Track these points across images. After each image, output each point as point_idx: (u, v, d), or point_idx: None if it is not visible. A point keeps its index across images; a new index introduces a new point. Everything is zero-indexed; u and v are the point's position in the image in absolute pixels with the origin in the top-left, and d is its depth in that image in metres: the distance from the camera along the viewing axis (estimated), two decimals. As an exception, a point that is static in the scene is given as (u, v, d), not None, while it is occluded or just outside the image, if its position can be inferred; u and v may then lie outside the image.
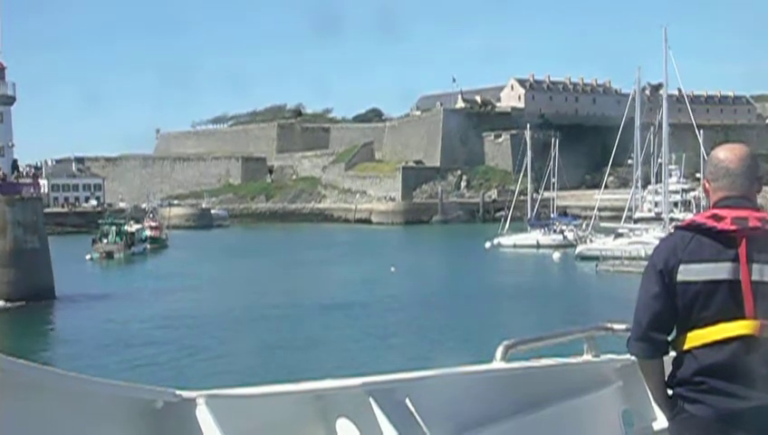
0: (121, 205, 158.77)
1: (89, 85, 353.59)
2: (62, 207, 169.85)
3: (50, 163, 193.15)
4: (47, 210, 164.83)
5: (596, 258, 70.66)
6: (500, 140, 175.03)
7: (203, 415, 3.05)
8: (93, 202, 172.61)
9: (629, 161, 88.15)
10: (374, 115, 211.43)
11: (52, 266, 56.30)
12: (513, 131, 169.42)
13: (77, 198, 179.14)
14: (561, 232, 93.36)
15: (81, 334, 43.22)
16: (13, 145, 55.82)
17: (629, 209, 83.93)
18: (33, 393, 2.56)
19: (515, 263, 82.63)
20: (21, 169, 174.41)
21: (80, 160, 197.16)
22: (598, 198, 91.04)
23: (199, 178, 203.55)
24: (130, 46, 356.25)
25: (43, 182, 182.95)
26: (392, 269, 68.97)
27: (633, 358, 3.96)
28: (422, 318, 47.83)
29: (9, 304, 50.99)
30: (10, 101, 56.76)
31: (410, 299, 55.47)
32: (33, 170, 61.59)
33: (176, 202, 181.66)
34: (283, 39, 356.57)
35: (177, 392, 3.05)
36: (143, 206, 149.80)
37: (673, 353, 3.77)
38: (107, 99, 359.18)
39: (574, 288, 59.46)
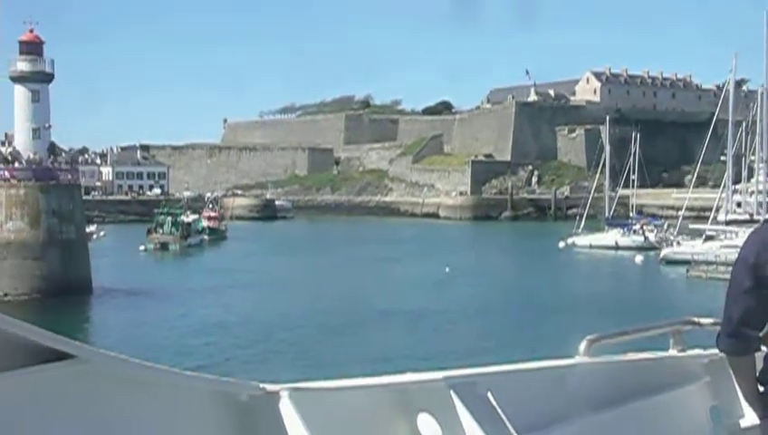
0: (186, 194, 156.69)
1: (157, 72, 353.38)
2: (126, 194, 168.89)
3: (115, 150, 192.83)
4: (110, 198, 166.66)
5: (685, 263, 64.91)
6: (574, 134, 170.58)
7: (286, 408, 3.09)
8: (157, 190, 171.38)
9: (723, 158, 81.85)
10: (444, 107, 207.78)
11: (89, 258, 52.18)
12: (588, 126, 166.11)
13: (141, 187, 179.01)
14: (642, 233, 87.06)
15: (106, 336, 39.03)
16: (49, 126, 51.62)
17: (716, 210, 77.77)
18: (118, 385, 2.61)
19: (592, 265, 77.44)
20: (88, 155, 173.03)
21: (145, 148, 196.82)
22: (686, 196, 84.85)
23: (265, 168, 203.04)
24: (200, 35, 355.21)
25: (107, 170, 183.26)
26: (446, 269, 65.06)
27: (721, 353, 3.94)
28: (489, 322, 44.79)
29: (23, 297, 46.56)
30: (47, 78, 52.65)
31: (477, 302, 51.99)
32: (73, 155, 57.13)
33: (240, 192, 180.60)
34: (352, 28, 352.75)
35: (261, 385, 3.08)
36: (207, 195, 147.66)
37: (765, 350, 3.73)
38: (174, 86, 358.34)
39: (662, 296, 53.64)
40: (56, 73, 51.54)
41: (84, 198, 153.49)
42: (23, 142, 51.53)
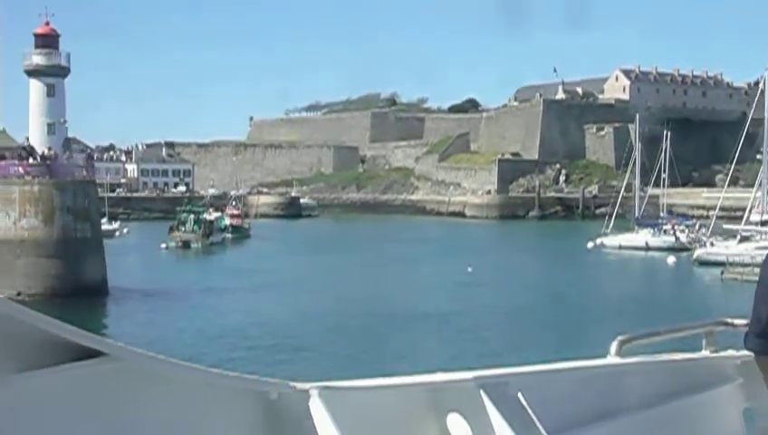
0: (211, 191, 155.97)
1: (184, 69, 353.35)
2: (151, 192, 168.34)
3: (140, 148, 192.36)
4: (135, 195, 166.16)
5: (719, 264, 62.59)
6: (602, 133, 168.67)
7: (316, 407, 3.16)
8: (182, 188, 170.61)
9: (759, 156, 79.61)
10: (470, 105, 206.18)
11: (104, 257, 50.74)
12: (617, 124, 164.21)
13: (166, 184, 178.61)
14: (674, 233, 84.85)
15: (118, 339, 37.37)
16: (65, 121, 50.16)
17: (749, 210, 75.56)
18: (150, 383, 2.69)
19: (622, 266, 75.49)
20: (115, 151, 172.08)
21: (170, 145, 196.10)
22: (719, 196, 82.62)
23: (291, 166, 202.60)
24: (227, 32, 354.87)
25: (132, 167, 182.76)
26: (468, 269, 63.45)
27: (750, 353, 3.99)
28: (514, 324, 43.78)
29: (37, 296, 45.08)
30: (63, 72, 51.06)
31: (502, 303, 50.58)
32: (90, 152, 55.66)
33: (265, 190, 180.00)
34: (379, 27, 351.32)
35: (291, 384, 3.17)
36: (232, 193, 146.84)
37: None
38: (201, 84, 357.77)
39: (696, 298, 51.66)
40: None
41: (109, 195, 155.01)
42: (37, 137, 50.11)
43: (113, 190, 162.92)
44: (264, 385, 3.06)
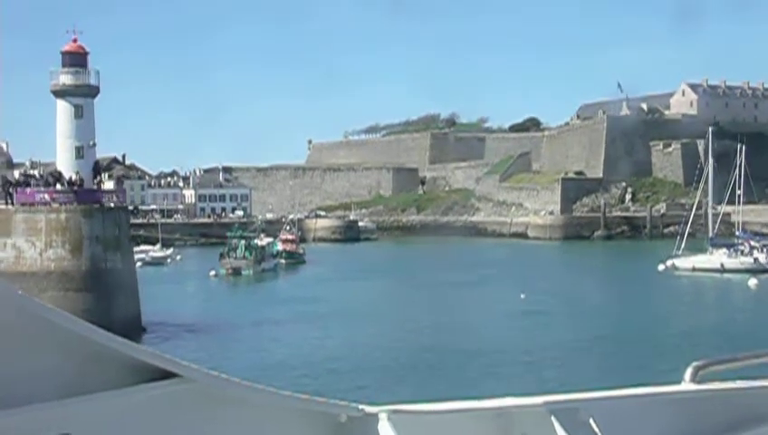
0: (269, 216, 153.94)
1: (245, 93, 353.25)
2: (208, 217, 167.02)
3: (198, 173, 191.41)
4: (193, 221, 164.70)
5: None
6: (670, 149, 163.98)
7: (385, 430, 3.19)
8: (239, 213, 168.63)
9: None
10: (532, 124, 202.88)
11: (138, 290, 47.30)
12: (685, 140, 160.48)
13: (224, 209, 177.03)
14: (751, 253, 79.51)
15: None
16: (94, 144, 46.77)
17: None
18: (223, 404, 2.79)
19: (697, 290, 70.57)
20: (172, 177, 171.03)
21: (228, 170, 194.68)
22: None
23: (350, 189, 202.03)
24: (286, 60, 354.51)
25: (189, 192, 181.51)
26: (521, 296, 59.79)
27: None
28: (586, 352, 40.73)
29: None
30: (92, 92, 47.78)
31: (572, 330, 47.19)
32: (120, 176, 52.55)
33: (322, 214, 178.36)
34: (438, 47, 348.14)
35: (361, 407, 3.20)
36: (290, 217, 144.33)
37: None
38: (261, 107, 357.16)
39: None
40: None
41: (166, 221, 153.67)
42: (65, 162, 46.81)
43: (170, 216, 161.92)
44: (334, 408, 3.09)
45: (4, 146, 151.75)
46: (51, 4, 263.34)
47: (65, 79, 46.76)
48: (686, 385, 4.17)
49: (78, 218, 44.39)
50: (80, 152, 45.99)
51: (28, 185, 47.36)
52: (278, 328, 50.44)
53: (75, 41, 47.23)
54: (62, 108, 46.62)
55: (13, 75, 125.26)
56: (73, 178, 45.55)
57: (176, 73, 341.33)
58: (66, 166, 46.52)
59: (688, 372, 4.18)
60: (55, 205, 45.04)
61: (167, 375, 2.58)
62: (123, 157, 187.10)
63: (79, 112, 46.11)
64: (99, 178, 47.19)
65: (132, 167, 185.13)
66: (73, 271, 43.52)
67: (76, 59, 47.07)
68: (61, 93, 46.73)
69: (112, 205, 46.32)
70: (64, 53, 47.21)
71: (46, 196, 45.46)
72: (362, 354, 40.46)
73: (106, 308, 43.08)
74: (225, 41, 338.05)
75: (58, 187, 45.85)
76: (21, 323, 2.40)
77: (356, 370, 36.40)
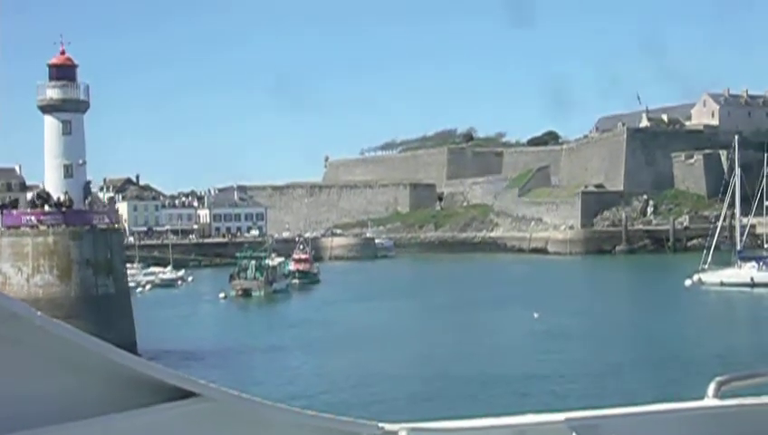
0: (285, 235, 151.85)
1: (258, 111, 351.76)
2: (223, 237, 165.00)
3: (212, 192, 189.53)
4: (207, 240, 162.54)
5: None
6: (692, 160, 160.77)
7: None
8: (255, 232, 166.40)
9: None
10: (550, 138, 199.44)
11: (132, 316, 44.46)
12: (707, 151, 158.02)
13: (239, 228, 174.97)
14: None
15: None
16: (84, 163, 43.81)
17: None
18: (243, 424, 2.78)
19: (728, 306, 67.20)
20: (186, 197, 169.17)
21: (242, 189, 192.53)
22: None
23: (367, 206, 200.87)
24: (300, 72, 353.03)
25: (204, 212, 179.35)
26: (535, 316, 56.95)
27: None
28: (611, 374, 38.25)
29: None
30: (82, 107, 44.89)
31: (596, 351, 44.83)
32: (115, 196, 49.74)
33: (339, 232, 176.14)
34: (454, 61, 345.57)
35: (380, 425, 3.19)
36: (306, 235, 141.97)
37: None
38: (275, 126, 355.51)
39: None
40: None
41: (180, 241, 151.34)
42: (53, 181, 44.02)
43: (185, 236, 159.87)
44: (355, 426, 3.08)
45: (18, 169, 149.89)
46: (68, 23, 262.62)
47: (52, 93, 43.87)
48: (709, 401, 4.07)
49: (66, 242, 41.48)
50: (68, 171, 43.13)
51: (15, 207, 44.64)
52: (282, 356, 47.60)
53: (63, 53, 44.49)
54: (50, 124, 43.76)
55: (20, 94, 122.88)
56: (62, 198, 42.80)
57: (189, 91, 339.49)
58: (54, 186, 43.68)
59: (711, 388, 4.07)
60: (43, 227, 42.13)
61: (186, 395, 2.59)
62: (137, 177, 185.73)
63: (67, 129, 43.26)
64: (89, 198, 44.36)
65: (147, 187, 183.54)
66: (62, 297, 40.61)
67: (64, 72, 44.22)
68: (48, 109, 43.83)
69: (104, 226, 43.52)
70: (51, 66, 44.39)
71: (33, 218, 42.68)
72: (372, 383, 38.15)
73: (97, 336, 40.25)
74: (241, 56, 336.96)
75: (46, 208, 43.11)
76: (41, 344, 2.42)
77: (365, 403, 33.35)
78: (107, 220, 44.19)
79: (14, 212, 43.66)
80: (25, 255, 41.65)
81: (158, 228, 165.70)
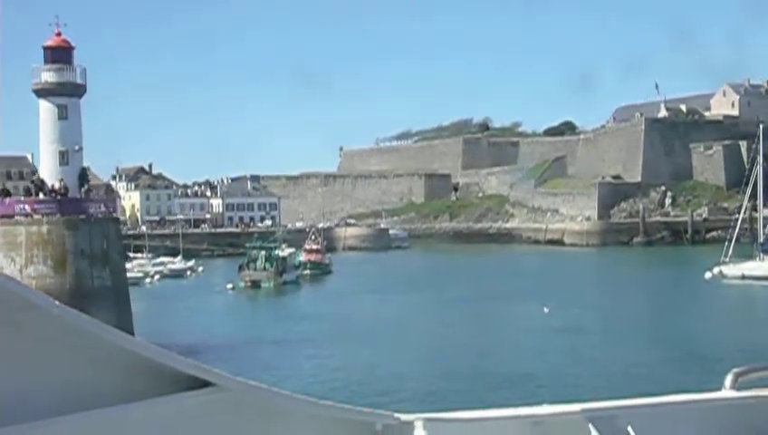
0: (298, 225, 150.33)
1: (273, 101, 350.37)
2: (236, 227, 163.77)
3: (225, 181, 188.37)
4: (220, 230, 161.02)
5: None
6: (711, 151, 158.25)
7: None
8: (268, 222, 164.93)
9: None
10: (567, 128, 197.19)
11: (130, 310, 42.76)
12: (727, 142, 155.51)
13: (252, 218, 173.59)
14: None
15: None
16: (80, 149, 41.88)
17: None
18: (259, 413, 2.85)
19: (750, 300, 65.07)
20: (199, 187, 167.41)
21: (255, 179, 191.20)
22: None
23: (381, 196, 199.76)
24: (315, 63, 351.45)
25: (217, 202, 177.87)
26: (545, 310, 55.10)
27: None
28: (631, 372, 35.86)
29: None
30: (78, 91, 42.94)
31: (614, 346, 43.09)
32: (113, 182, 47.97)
33: (352, 222, 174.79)
34: (470, 51, 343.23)
35: (396, 415, 3.25)
36: (320, 225, 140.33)
37: None
38: (291, 115, 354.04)
39: None
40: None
41: (193, 231, 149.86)
42: (48, 168, 42.18)
43: (198, 226, 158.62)
44: (370, 416, 3.12)
45: (30, 157, 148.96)
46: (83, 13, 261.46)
47: (47, 76, 41.93)
48: (726, 392, 4.07)
49: (61, 231, 39.64)
50: (64, 158, 41.30)
51: (8, 195, 42.87)
52: (289, 348, 46.23)
53: (59, 34, 42.70)
54: (45, 109, 41.88)
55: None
56: (57, 186, 41.05)
57: (203, 80, 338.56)
58: (49, 173, 41.87)
59: (728, 379, 4.08)
60: (37, 216, 40.34)
61: (203, 384, 2.63)
62: (150, 166, 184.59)
63: (63, 113, 41.39)
64: (86, 186, 42.54)
65: (159, 176, 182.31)
66: (56, 289, 38.70)
67: (59, 54, 42.29)
68: (43, 93, 41.92)
69: (100, 215, 41.76)
70: (46, 48, 42.46)
71: (26, 206, 40.90)
72: (386, 375, 37.33)
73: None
74: (256, 46, 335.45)
75: (41, 196, 41.38)
76: (61, 334, 2.47)
77: (379, 394, 32.31)
78: (103, 209, 42.51)
79: (7, 200, 41.97)
80: (18, 244, 39.88)
81: (171, 218, 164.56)
